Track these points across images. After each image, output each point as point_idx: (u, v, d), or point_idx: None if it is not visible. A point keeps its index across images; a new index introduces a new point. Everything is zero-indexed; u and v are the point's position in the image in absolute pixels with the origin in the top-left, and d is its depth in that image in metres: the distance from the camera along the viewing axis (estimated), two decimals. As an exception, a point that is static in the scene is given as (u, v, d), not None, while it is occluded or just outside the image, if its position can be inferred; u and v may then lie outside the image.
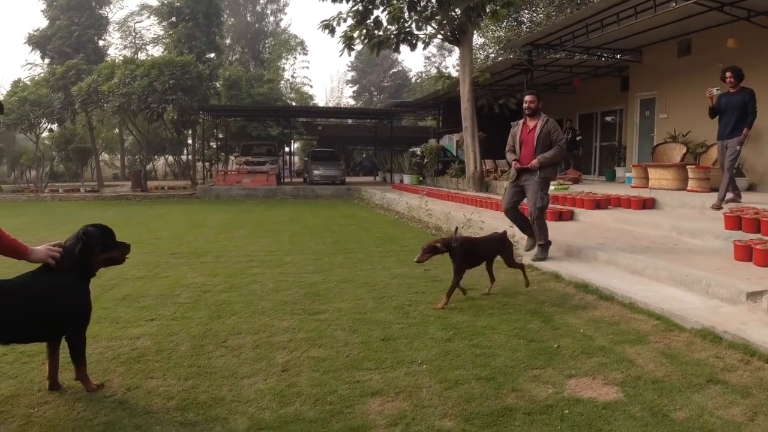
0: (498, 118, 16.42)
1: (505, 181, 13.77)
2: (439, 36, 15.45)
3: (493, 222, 8.08)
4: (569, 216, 8.66)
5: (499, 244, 5.07)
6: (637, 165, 12.04)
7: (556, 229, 7.39)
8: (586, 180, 14.59)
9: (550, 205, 9.34)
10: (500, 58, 23.41)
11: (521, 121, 6.22)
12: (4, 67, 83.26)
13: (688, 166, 9.89)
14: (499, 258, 5.07)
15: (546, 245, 6.21)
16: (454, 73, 30.96)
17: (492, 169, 15.56)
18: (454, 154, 22.55)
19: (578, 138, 15.95)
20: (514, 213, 6.25)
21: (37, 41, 26.97)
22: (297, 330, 3.99)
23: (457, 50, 15.93)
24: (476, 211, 8.42)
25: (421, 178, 20.07)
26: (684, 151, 11.25)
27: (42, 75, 27.69)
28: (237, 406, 2.81)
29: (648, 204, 8.67)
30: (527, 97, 6.11)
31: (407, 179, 20.47)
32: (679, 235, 6.65)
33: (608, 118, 17.20)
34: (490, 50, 25.87)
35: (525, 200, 6.20)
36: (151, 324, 4.20)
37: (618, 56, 15.26)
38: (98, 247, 2.99)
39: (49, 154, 23.87)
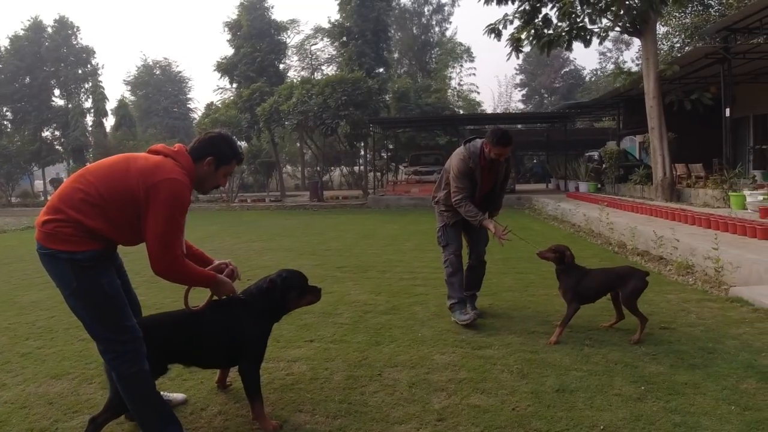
0: (690, 116, 14.45)
1: (701, 188, 12.05)
2: (617, 28, 14.06)
3: (690, 240, 6.86)
4: (784, 235, 6.96)
5: (617, 280, 4.07)
6: None
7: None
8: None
9: (759, 220, 7.78)
10: (687, 48, 20.69)
11: (478, 158, 4.50)
12: (200, 93, 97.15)
13: None
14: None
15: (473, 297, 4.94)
16: (634, 68, 28.31)
17: (685, 175, 13.67)
18: (637, 157, 20.45)
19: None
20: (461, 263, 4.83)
21: (226, 68, 30.12)
22: (458, 368, 3.58)
23: (636, 42, 14.36)
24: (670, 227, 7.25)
25: (599, 186, 18.50)
26: None
27: (231, 98, 30.94)
28: (386, 461, 2.50)
29: None
30: (503, 149, 4.38)
31: (583, 187, 18.97)
32: None
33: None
34: (675, 39, 23.01)
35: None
36: (309, 346, 4.12)
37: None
38: (294, 292, 3.10)
39: (239, 167, 26.60)
